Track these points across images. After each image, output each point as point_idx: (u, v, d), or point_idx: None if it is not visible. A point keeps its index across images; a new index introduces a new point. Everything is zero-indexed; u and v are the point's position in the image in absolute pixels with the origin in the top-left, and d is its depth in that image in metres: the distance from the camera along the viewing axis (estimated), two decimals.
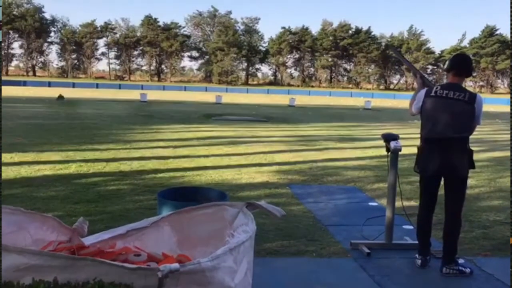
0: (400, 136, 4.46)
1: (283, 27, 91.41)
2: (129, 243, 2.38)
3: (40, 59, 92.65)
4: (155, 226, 2.49)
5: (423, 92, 3.94)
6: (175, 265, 1.70)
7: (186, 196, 3.58)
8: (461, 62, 3.91)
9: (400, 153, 4.31)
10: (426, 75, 4.30)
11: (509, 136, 15.75)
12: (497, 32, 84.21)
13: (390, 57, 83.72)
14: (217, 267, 1.84)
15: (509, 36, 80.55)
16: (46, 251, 1.93)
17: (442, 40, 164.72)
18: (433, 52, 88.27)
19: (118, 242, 2.36)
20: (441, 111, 3.75)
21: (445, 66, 3.94)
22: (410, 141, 6.45)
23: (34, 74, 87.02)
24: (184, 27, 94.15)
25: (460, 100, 3.70)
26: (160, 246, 2.39)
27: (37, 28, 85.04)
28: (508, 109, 37.57)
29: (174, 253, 2.34)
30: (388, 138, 4.30)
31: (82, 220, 2.33)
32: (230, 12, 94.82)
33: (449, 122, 3.71)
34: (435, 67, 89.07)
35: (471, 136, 3.84)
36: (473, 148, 3.89)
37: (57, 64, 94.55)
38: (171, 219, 2.52)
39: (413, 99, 4.08)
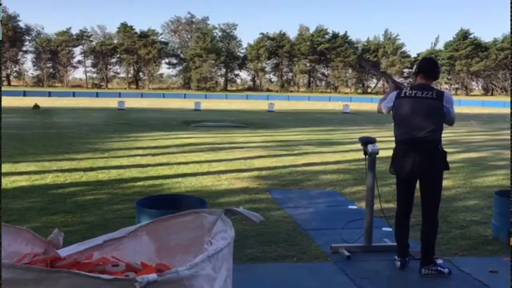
0: (378, 139, 4.51)
1: (261, 33, 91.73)
2: (106, 254, 2.34)
3: (14, 69, 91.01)
4: (133, 235, 2.45)
5: (394, 93, 4.04)
6: (153, 276, 1.67)
7: (165, 204, 3.55)
8: (426, 65, 4.03)
9: (378, 156, 4.36)
10: (401, 79, 4.42)
11: (483, 137, 15.96)
12: (471, 35, 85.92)
13: (367, 61, 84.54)
14: (196, 276, 1.82)
15: (483, 39, 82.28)
16: (19, 264, 1.89)
17: (417, 44, 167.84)
18: (409, 56, 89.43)
19: (95, 253, 2.32)
20: (411, 112, 3.84)
21: (414, 70, 4.07)
22: (387, 144, 6.51)
23: (9, 84, 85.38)
24: (161, 34, 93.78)
25: (428, 98, 3.81)
26: (138, 256, 2.36)
27: (11, 37, 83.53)
28: (482, 110, 38.36)
29: (153, 262, 2.31)
30: (366, 141, 4.35)
31: (57, 232, 2.29)
32: (207, 18, 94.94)
33: (420, 122, 3.80)
34: (411, 70, 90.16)
35: (446, 138, 3.92)
36: (448, 150, 3.96)
37: (32, 73, 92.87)
38: (149, 228, 2.49)
39: (383, 98, 4.16)
